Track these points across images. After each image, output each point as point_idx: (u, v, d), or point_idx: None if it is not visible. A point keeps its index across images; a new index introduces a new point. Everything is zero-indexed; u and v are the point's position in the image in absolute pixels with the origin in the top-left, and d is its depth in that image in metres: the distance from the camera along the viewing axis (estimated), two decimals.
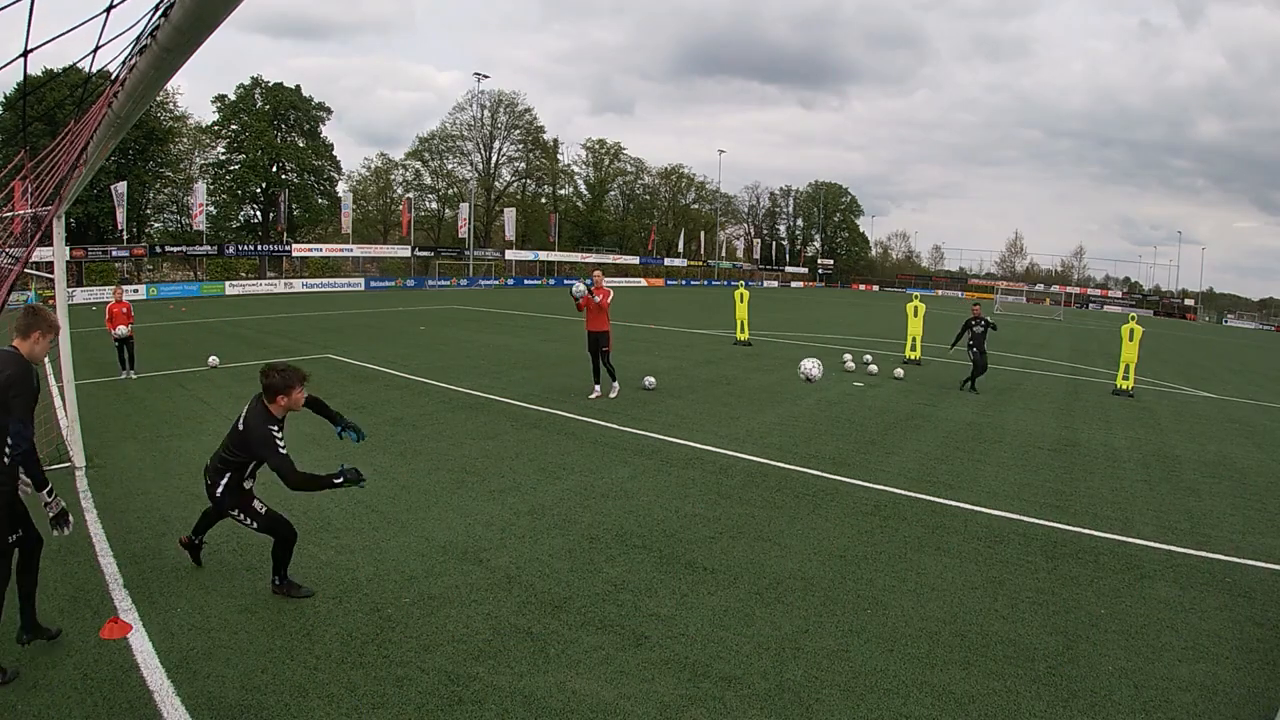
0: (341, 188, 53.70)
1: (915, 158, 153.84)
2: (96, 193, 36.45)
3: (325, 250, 45.90)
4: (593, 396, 10.26)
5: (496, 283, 52.95)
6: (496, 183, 66.12)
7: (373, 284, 45.24)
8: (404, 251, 50.04)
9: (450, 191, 63.23)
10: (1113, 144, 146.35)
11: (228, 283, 38.34)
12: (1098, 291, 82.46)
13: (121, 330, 11.23)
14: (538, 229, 63.48)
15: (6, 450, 3.10)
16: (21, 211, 6.42)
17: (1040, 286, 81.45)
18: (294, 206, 47.30)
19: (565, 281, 58.85)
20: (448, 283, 49.39)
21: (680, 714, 3.24)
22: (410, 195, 58.43)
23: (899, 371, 13.82)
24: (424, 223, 61.14)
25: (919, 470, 7.29)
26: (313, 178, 50.35)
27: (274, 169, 47.93)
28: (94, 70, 2.99)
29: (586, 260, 63.51)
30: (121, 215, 36.47)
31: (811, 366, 10.54)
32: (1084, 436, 9.29)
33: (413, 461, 7.02)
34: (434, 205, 64.17)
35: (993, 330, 12.96)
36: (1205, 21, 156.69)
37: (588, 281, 10.03)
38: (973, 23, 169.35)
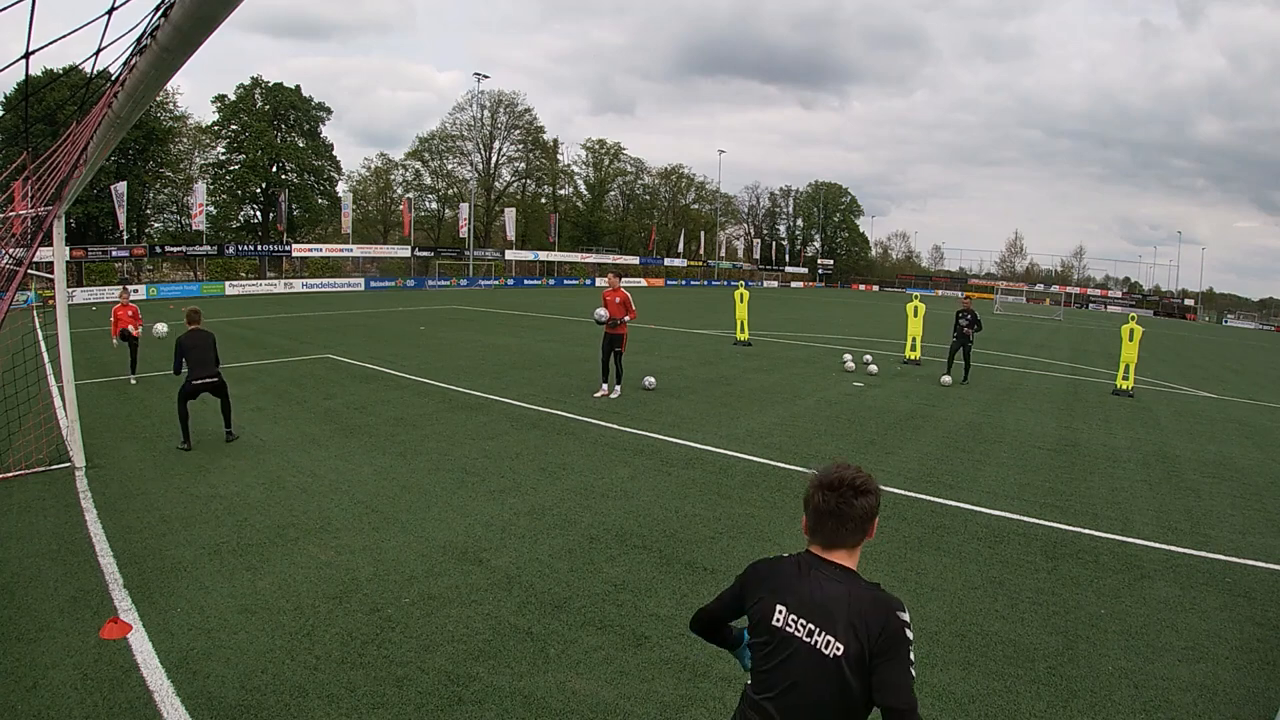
0: (341, 188, 53.75)
1: (915, 158, 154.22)
2: (96, 193, 36.45)
3: (325, 250, 45.86)
4: (598, 395, 10.27)
5: (496, 283, 52.91)
6: (496, 183, 66.12)
7: (373, 284, 45.23)
8: (404, 251, 50.03)
9: (450, 191, 63.23)
10: (1112, 144, 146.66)
11: (228, 283, 38.32)
12: (1098, 291, 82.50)
13: (121, 337, 11.35)
14: (538, 229, 63.46)
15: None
16: (23, 212, 6.42)
17: (1040, 286, 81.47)
18: (294, 206, 47.30)
19: (566, 282, 58.89)
20: (448, 283, 49.38)
21: (680, 714, 3.24)
22: (410, 195, 58.43)
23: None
24: (424, 223, 61.14)
25: (919, 470, 7.29)
26: (313, 178, 50.35)
27: (274, 169, 47.93)
28: (95, 71, 2.99)
29: (586, 260, 63.52)
30: (121, 215, 36.43)
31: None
32: (1084, 436, 9.28)
33: (413, 461, 7.03)
34: (434, 205, 64.16)
35: (977, 330, 13.18)
36: (1205, 21, 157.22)
37: (601, 315, 10.09)
38: (973, 23, 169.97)
